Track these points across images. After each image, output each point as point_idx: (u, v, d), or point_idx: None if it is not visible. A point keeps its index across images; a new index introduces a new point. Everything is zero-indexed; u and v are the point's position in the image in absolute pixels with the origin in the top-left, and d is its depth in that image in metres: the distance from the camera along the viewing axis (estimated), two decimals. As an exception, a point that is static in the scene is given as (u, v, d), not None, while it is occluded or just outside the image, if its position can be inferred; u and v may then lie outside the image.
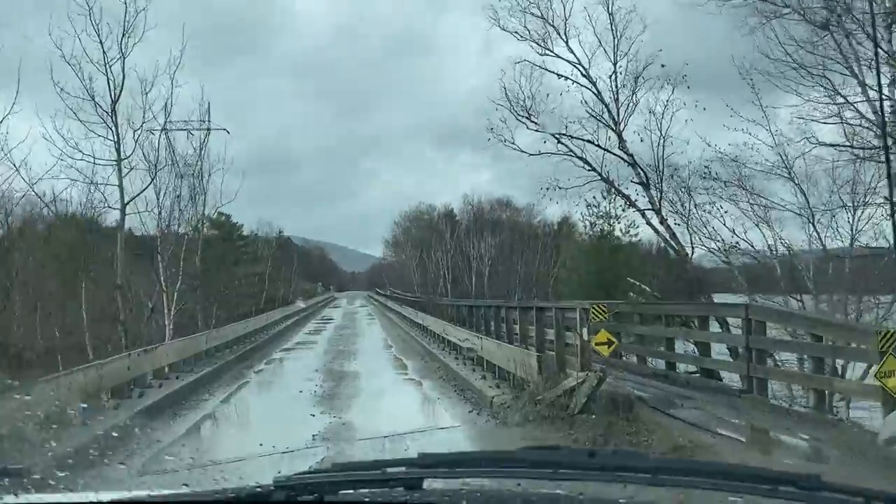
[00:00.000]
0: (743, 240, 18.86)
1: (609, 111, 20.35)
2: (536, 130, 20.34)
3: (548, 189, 21.80)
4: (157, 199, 21.15)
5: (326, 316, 51.35)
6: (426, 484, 1.43)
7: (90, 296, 23.37)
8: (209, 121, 46.83)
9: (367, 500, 1.40)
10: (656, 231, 20.53)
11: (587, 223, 35.77)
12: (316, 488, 1.41)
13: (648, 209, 20.50)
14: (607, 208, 35.59)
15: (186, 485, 2.05)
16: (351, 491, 1.42)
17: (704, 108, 18.82)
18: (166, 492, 1.61)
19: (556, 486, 1.43)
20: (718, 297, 20.33)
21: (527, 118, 20.50)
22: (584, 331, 14.05)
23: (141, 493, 1.57)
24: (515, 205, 73.94)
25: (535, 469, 1.43)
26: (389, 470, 1.48)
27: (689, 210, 20.12)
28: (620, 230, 35.48)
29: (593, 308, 13.44)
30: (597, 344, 13.23)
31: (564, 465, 1.42)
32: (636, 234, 35.21)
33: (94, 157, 22.05)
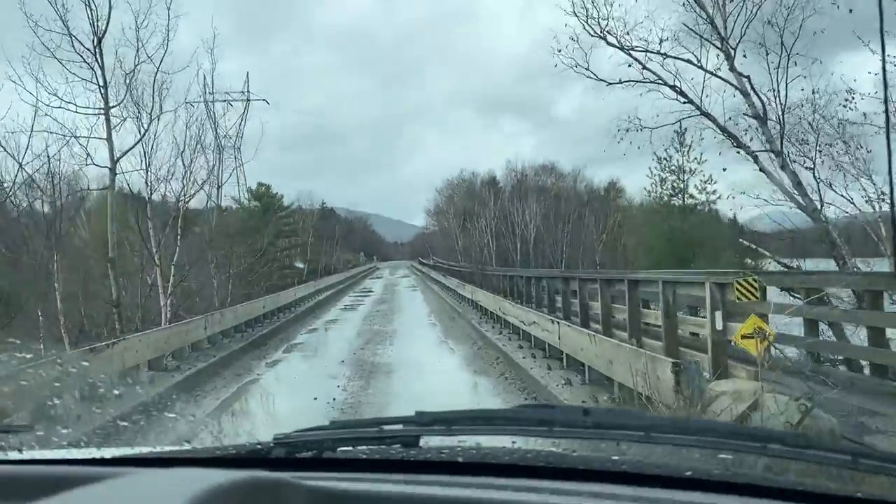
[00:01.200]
0: (843, 196, 14.34)
1: (713, 24, 15.35)
2: (620, 48, 15.46)
3: (626, 130, 17.04)
4: (144, 153, 16.98)
5: (366, 288, 47.35)
6: (423, 441, 1.40)
7: (80, 272, 19.55)
8: (248, 91, 42.77)
9: (364, 456, 1.39)
10: (772, 179, 15.58)
11: (656, 179, 30.75)
12: (315, 445, 1.42)
13: (763, 151, 15.57)
14: (680, 161, 30.55)
15: (188, 441, 2.16)
16: (349, 448, 1.42)
17: (851, 10, 13.69)
18: (168, 448, 1.59)
19: (550, 443, 1.40)
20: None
21: (602, 35, 15.65)
22: (719, 317, 9.59)
23: (143, 450, 1.56)
24: (560, 169, 70.70)
25: (530, 427, 1.41)
26: (387, 428, 1.44)
27: (817, 152, 15.27)
28: (696, 186, 30.40)
29: (739, 284, 8.81)
30: (743, 337, 8.61)
31: (559, 423, 1.38)
32: (713, 191, 30.07)
33: (75, 105, 18.10)
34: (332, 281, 43.45)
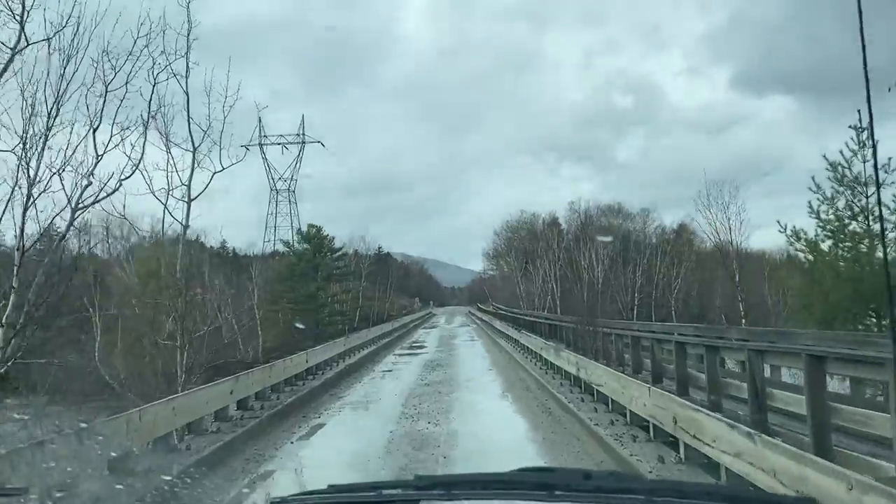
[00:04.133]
0: None
1: None
2: None
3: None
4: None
5: (417, 342, 38.16)
6: None
7: None
8: (303, 133, 36.03)
9: None
10: None
11: (822, 195, 20.69)
12: None
13: None
14: (863, 169, 20.60)
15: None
16: None
17: None
18: None
19: None
20: None
21: None
22: None
23: None
24: (627, 210, 63.29)
25: (530, 491, 1.32)
26: (386, 492, 1.36)
27: None
28: (887, 206, 20.24)
29: None
30: None
31: (560, 486, 1.31)
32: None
33: None
34: (374, 334, 34.41)
